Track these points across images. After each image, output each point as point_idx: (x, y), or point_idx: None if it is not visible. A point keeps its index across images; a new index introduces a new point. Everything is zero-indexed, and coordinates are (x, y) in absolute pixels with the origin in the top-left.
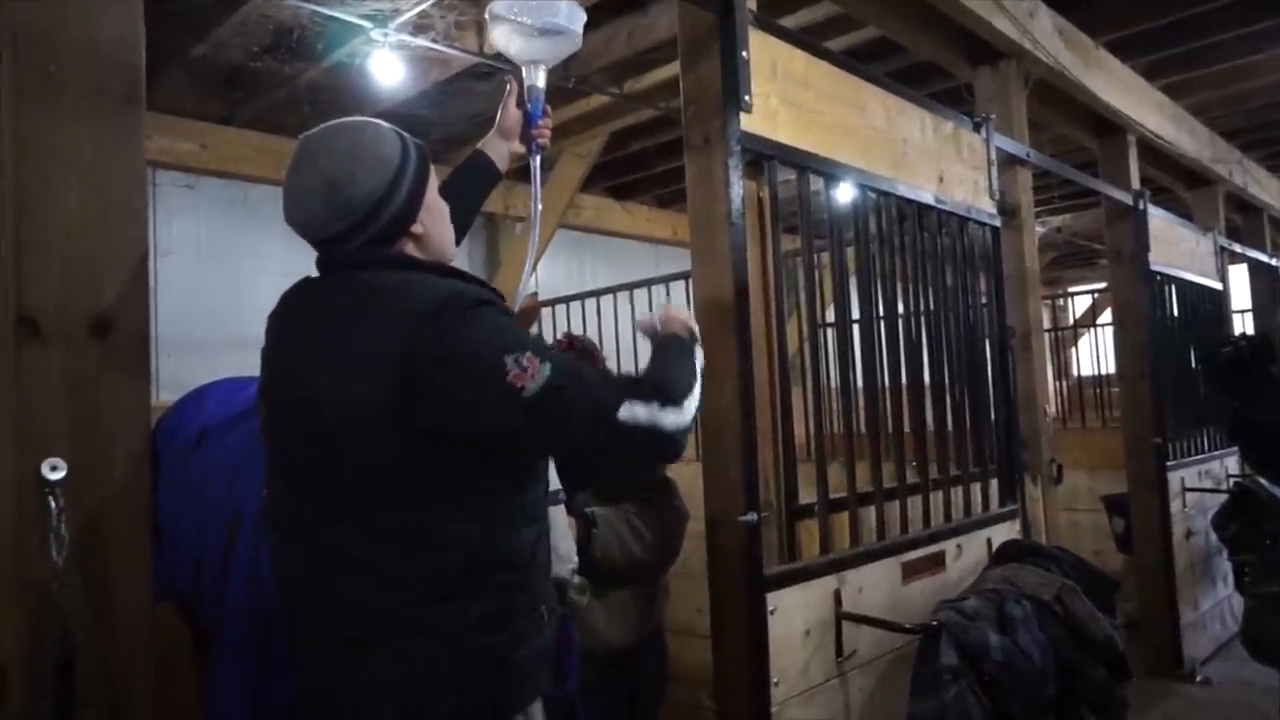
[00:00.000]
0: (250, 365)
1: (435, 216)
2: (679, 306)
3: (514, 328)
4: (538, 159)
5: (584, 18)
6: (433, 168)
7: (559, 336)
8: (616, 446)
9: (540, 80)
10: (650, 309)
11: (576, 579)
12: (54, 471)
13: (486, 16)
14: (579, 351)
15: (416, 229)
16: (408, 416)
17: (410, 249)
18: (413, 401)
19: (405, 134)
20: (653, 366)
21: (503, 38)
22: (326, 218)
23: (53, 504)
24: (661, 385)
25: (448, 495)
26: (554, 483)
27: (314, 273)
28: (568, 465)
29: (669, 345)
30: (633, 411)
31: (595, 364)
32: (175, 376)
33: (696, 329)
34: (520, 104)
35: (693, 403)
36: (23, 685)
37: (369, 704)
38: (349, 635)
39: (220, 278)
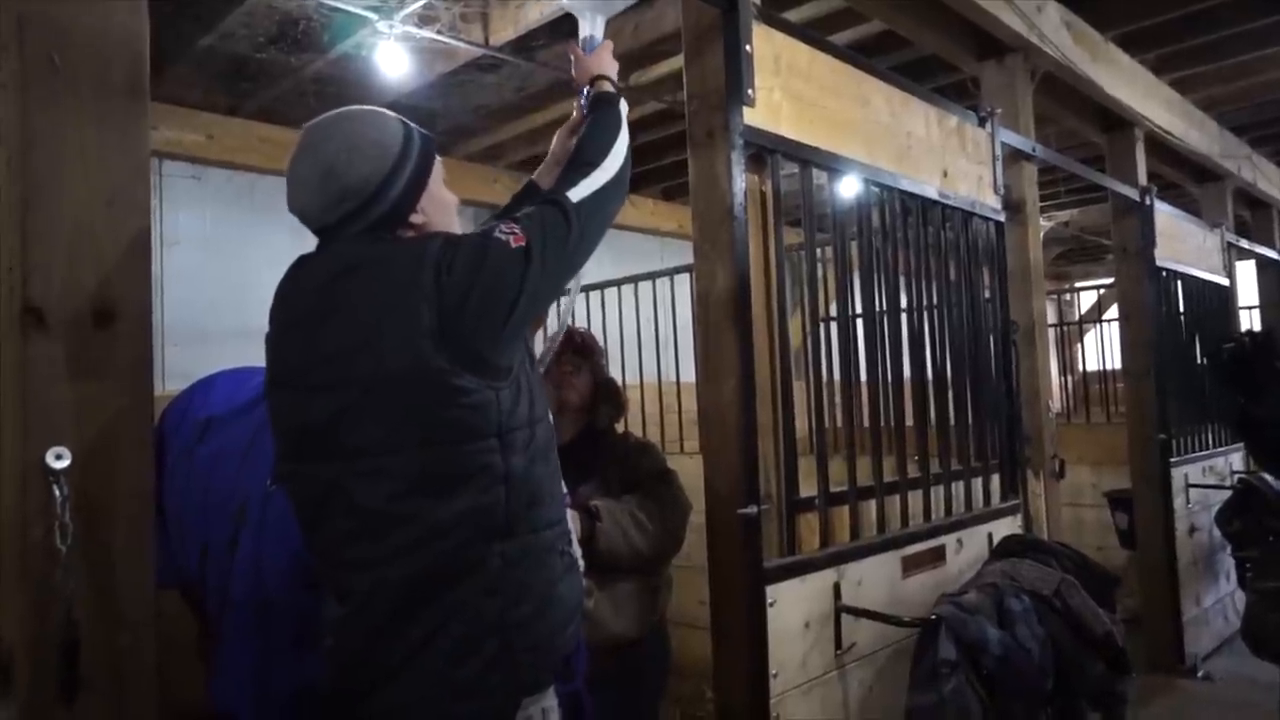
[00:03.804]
0: (256, 356)
1: (439, 207)
2: (593, 48)
3: (486, 224)
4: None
5: None
6: (440, 160)
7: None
8: (589, 217)
9: (599, 30)
10: (654, 302)
11: (584, 582)
12: (58, 460)
13: None
14: (578, 346)
15: (416, 218)
16: (447, 349)
17: (408, 226)
18: (450, 333)
19: (411, 124)
20: (583, 140)
21: None
22: (325, 204)
23: (57, 492)
24: (587, 152)
25: (477, 430)
26: None
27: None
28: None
29: (607, 105)
30: (580, 190)
31: (595, 360)
32: (181, 366)
33: (612, 73)
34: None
35: (616, 154)
36: (27, 669)
37: (414, 655)
38: (393, 596)
39: (226, 268)
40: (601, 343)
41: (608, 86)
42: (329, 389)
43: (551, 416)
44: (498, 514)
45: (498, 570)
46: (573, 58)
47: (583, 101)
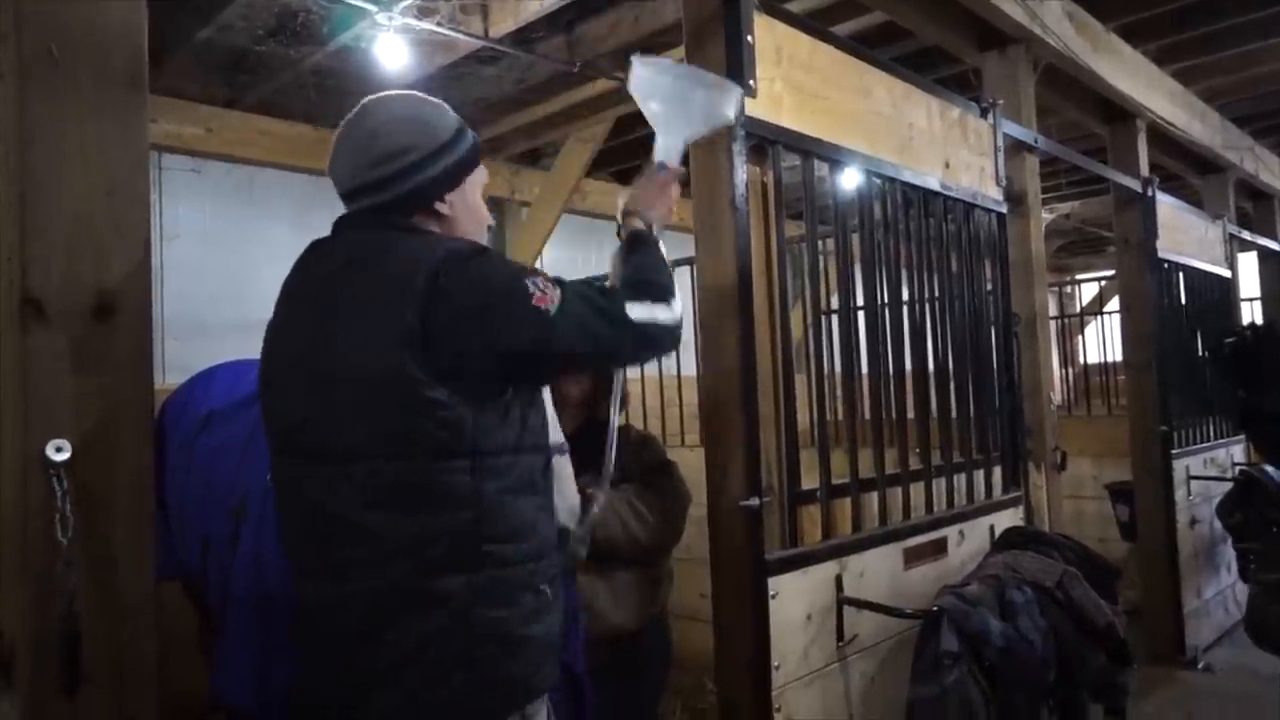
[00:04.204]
0: (256, 349)
1: (469, 210)
2: (661, 172)
3: (513, 263)
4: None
5: (738, 103)
6: (483, 171)
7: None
8: (634, 342)
9: (676, 154)
10: None
11: (578, 529)
12: (58, 453)
13: (632, 62)
14: None
15: (442, 207)
16: (424, 358)
17: (430, 227)
18: (431, 342)
19: (469, 127)
20: (634, 270)
21: (643, 84)
22: (361, 164)
23: (57, 485)
24: (655, 283)
25: (452, 449)
26: (558, 435)
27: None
28: (594, 365)
29: (648, 244)
30: (638, 310)
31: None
32: (181, 360)
33: (658, 218)
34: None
35: (677, 296)
36: (29, 662)
37: (387, 681)
38: (361, 614)
39: (226, 262)
40: None
41: (650, 229)
42: (314, 387)
43: (556, 415)
44: (463, 540)
45: (464, 601)
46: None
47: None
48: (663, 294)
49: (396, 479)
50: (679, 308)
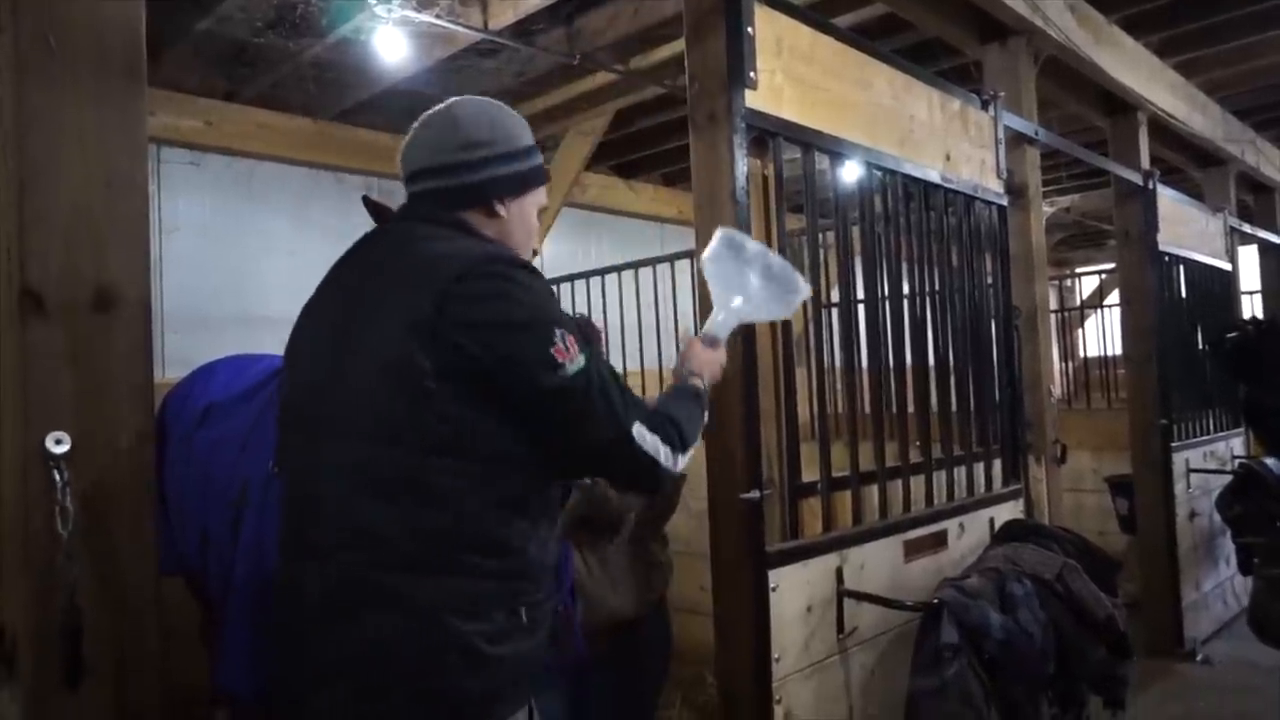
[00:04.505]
0: (256, 342)
1: (522, 222)
2: (710, 343)
3: (553, 302)
4: None
5: (799, 304)
6: (544, 194)
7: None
8: (619, 459)
9: (726, 330)
10: (655, 287)
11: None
12: (58, 445)
13: (717, 230)
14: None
15: (500, 209)
16: (431, 347)
17: (484, 229)
18: (440, 334)
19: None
20: (673, 406)
21: (718, 255)
22: (437, 146)
23: (57, 477)
24: (676, 426)
25: (447, 446)
26: None
27: (319, 248)
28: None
29: (692, 394)
30: (644, 435)
31: (594, 344)
32: (181, 353)
33: (708, 378)
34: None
35: (691, 453)
36: (30, 655)
37: (331, 677)
38: (323, 600)
39: (226, 255)
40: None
41: (701, 385)
42: (329, 366)
43: None
44: (440, 541)
45: (431, 605)
46: (691, 343)
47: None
48: (679, 439)
49: (386, 467)
50: (683, 462)
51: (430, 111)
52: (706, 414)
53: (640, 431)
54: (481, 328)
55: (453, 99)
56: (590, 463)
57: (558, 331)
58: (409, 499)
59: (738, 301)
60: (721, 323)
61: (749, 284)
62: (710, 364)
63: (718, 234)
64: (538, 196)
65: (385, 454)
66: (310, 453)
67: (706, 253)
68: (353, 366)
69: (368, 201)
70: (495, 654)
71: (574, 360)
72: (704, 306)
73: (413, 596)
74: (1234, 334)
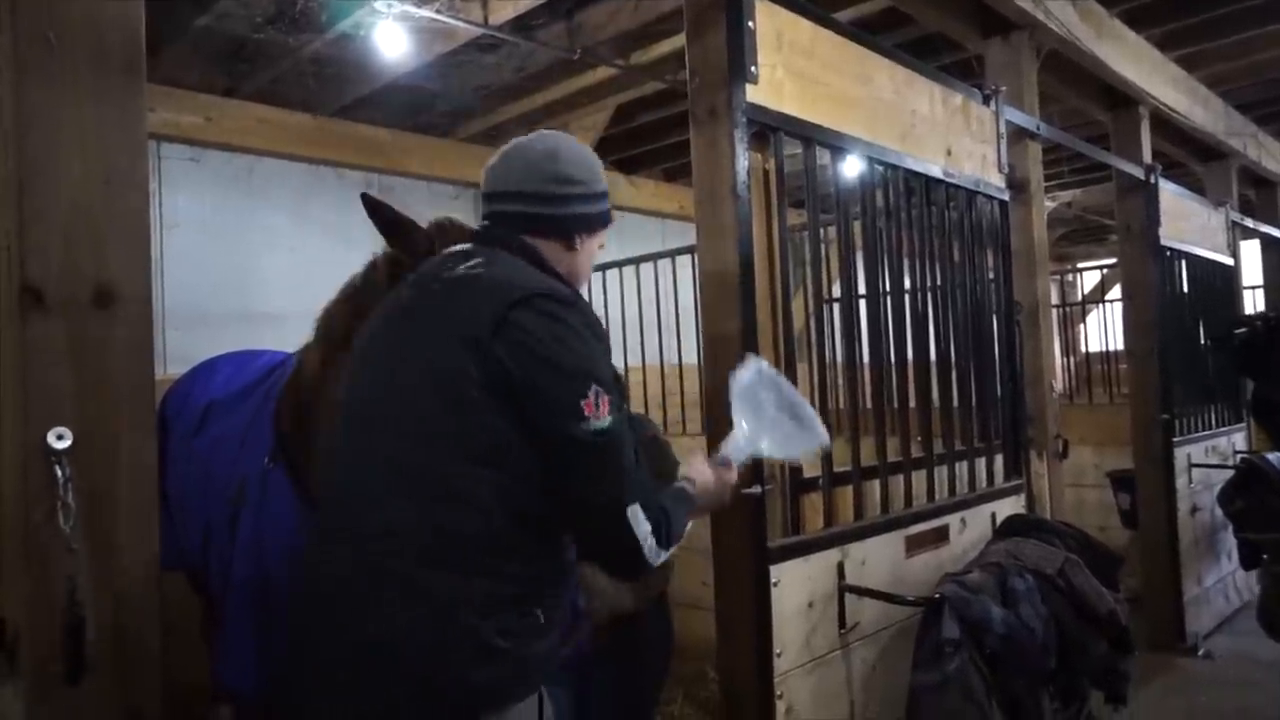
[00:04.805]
0: (257, 338)
1: (589, 257)
2: (723, 464)
3: (607, 359)
4: None
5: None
6: (603, 235)
7: None
8: (605, 530)
9: (740, 454)
10: (656, 283)
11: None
12: (60, 441)
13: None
14: None
15: (575, 243)
16: (480, 360)
17: (555, 254)
18: (490, 352)
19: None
20: (668, 502)
21: (745, 385)
22: (529, 171)
23: (59, 473)
24: (668, 521)
25: (487, 458)
26: None
27: (319, 244)
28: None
29: (685, 498)
30: (637, 517)
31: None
32: (182, 350)
33: (708, 495)
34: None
35: (666, 552)
36: (32, 651)
37: (345, 660)
38: (349, 588)
39: (226, 251)
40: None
41: (692, 491)
42: (391, 369)
43: None
44: (467, 543)
45: (449, 601)
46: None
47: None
48: (665, 534)
49: (428, 466)
50: (659, 559)
51: (526, 139)
52: (690, 524)
53: (635, 512)
54: (527, 357)
55: (544, 132)
56: (578, 521)
57: (594, 387)
58: (441, 500)
59: (764, 442)
60: (738, 449)
61: (773, 420)
62: (716, 484)
63: (752, 363)
64: (603, 237)
65: (424, 454)
66: (358, 446)
67: (739, 378)
68: (407, 369)
69: (366, 199)
70: (507, 649)
71: (600, 419)
72: (705, 298)
73: (430, 589)
74: (1242, 330)
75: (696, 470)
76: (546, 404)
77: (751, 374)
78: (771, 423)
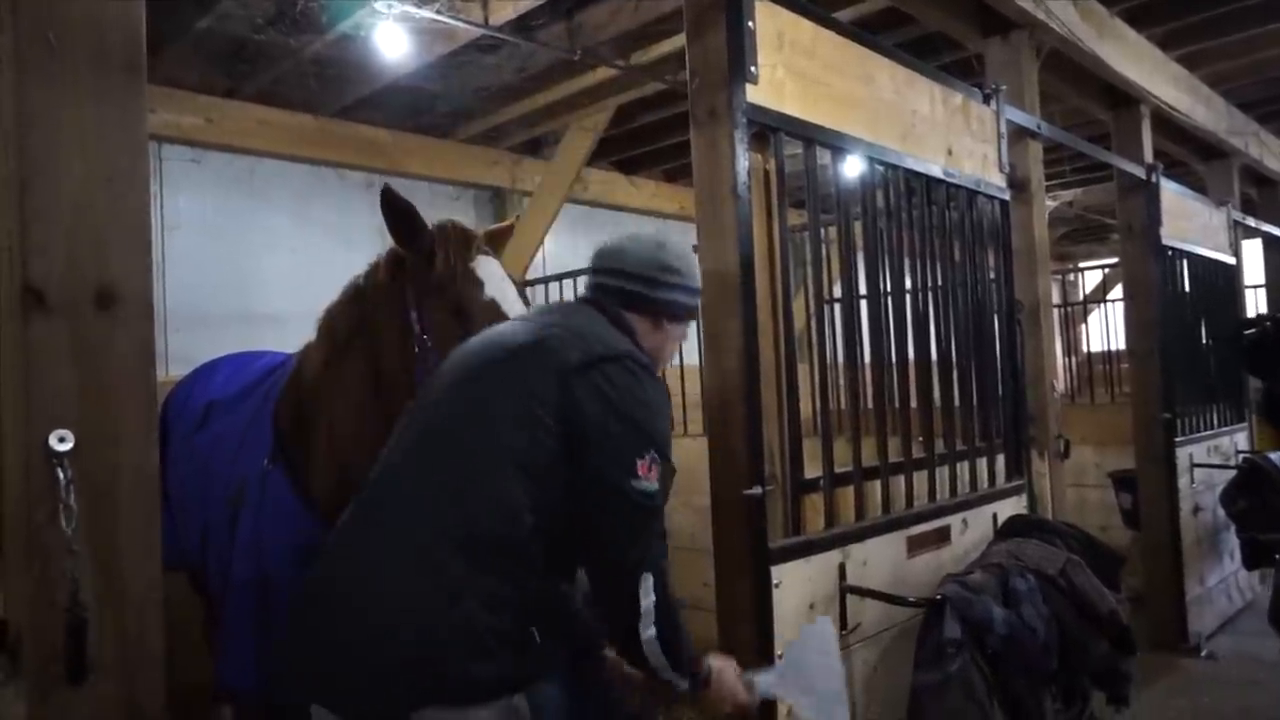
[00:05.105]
0: (258, 339)
1: (671, 341)
2: (746, 686)
3: (667, 425)
4: None
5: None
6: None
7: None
8: (613, 578)
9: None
10: None
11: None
12: (62, 443)
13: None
14: None
15: (662, 325)
16: (545, 391)
17: (644, 331)
18: (555, 392)
19: None
20: (679, 630)
21: (803, 646)
22: (636, 255)
23: (61, 474)
24: (673, 624)
25: (534, 474)
26: None
27: (320, 245)
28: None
29: (687, 660)
30: (647, 587)
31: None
32: (183, 351)
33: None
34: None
35: (655, 651)
36: (34, 651)
37: (354, 630)
38: (377, 567)
39: (227, 252)
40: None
41: (682, 681)
42: (472, 378)
43: None
44: (488, 542)
45: (458, 585)
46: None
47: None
48: (668, 630)
49: (482, 462)
50: (647, 636)
51: (642, 232)
52: (668, 680)
53: (647, 582)
54: (604, 404)
55: (657, 233)
56: (596, 565)
57: (653, 452)
58: (481, 496)
59: (794, 693)
60: (767, 685)
61: (810, 680)
62: (727, 691)
63: (823, 623)
64: (686, 329)
65: (483, 452)
66: (427, 431)
67: (808, 629)
68: (494, 379)
69: (387, 190)
70: (495, 649)
71: (650, 482)
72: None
73: (444, 567)
74: (1252, 330)
75: (719, 668)
76: (609, 451)
77: (819, 635)
78: (808, 682)
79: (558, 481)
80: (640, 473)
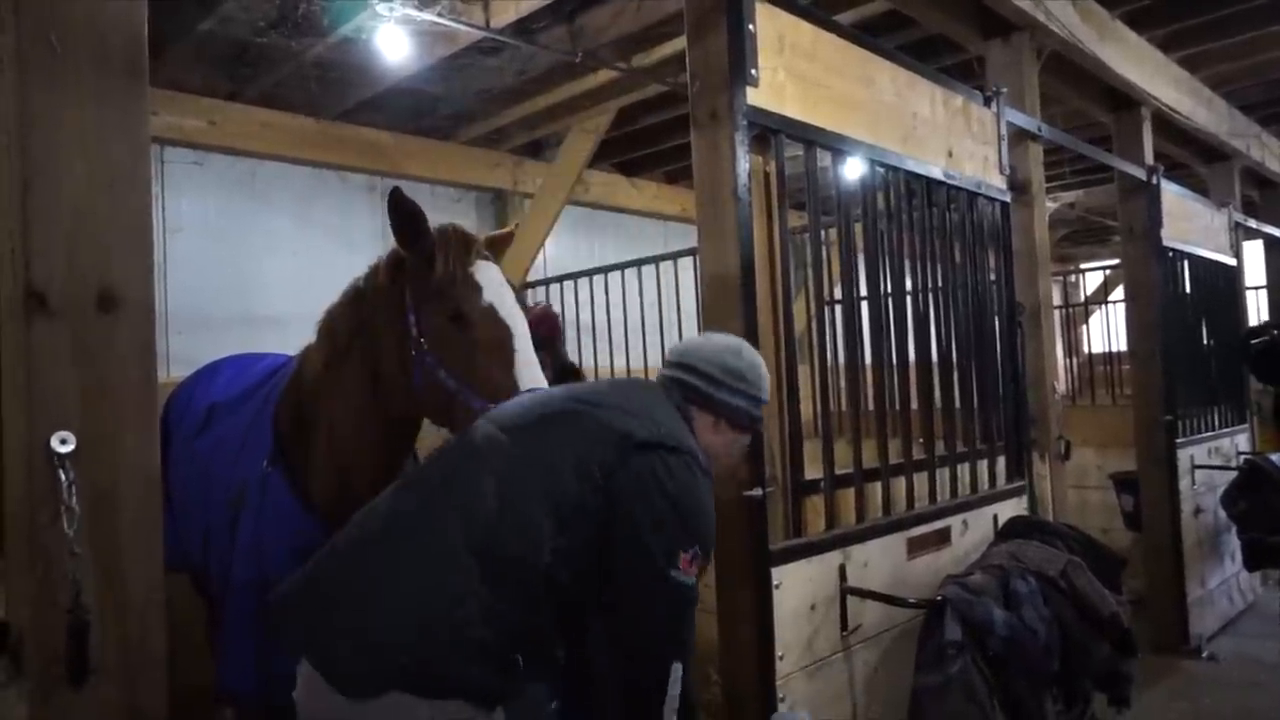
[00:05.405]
0: (259, 342)
1: (729, 446)
2: None
3: (714, 527)
4: None
5: None
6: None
7: (531, 305)
8: (646, 667)
9: None
10: (658, 285)
11: None
12: (63, 445)
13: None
14: (539, 335)
15: (720, 427)
16: (618, 460)
17: (703, 428)
18: (628, 465)
19: None
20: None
21: None
22: (716, 362)
23: (63, 476)
24: (688, 716)
25: (570, 522)
26: None
27: (322, 247)
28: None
29: None
30: (676, 674)
31: (556, 346)
32: (185, 353)
33: None
34: None
35: None
36: (36, 653)
37: (384, 639)
38: (403, 552)
39: (229, 255)
40: (605, 327)
41: None
42: (548, 422)
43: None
44: (503, 554)
45: (462, 590)
46: None
47: None
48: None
49: (526, 491)
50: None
51: (723, 336)
52: None
53: (676, 671)
54: (659, 489)
55: (741, 342)
56: (626, 645)
57: (696, 547)
58: (514, 520)
59: None
60: None
61: None
62: None
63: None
64: (745, 440)
65: (532, 483)
66: (482, 457)
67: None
68: (564, 428)
69: (397, 193)
70: (477, 659)
71: (686, 575)
72: (706, 300)
73: (455, 564)
74: (1260, 339)
75: None
76: (658, 539)
77: None
78: None
79: (580, 533)
80: (682, 565)
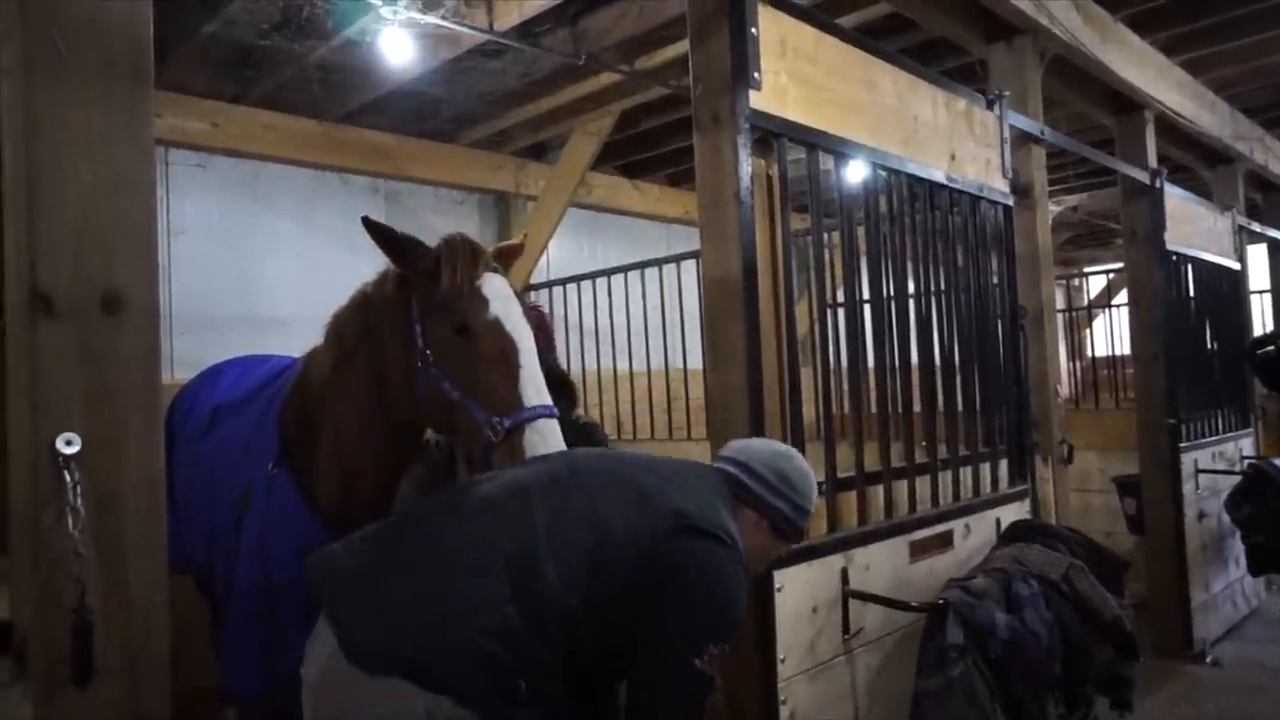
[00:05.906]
0: (263, 343)
1: (767, 548)
2: None
3: (740, 623)
4: None
5: None
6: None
7: (530, 306)
8: None
9: None
10: (661, 288)
11: None
12: (68, 446)
13: None
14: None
15: (766, 527)
16: (663, 528)
17: (747, 526)
18: (673, 540)
19: None
20: None
21: None
22: (768, 465)
23: (68, 477)
24: None
25: (602, 574)
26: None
27: (325, 249)
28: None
29: None
30: None
31: (548, 348)
32: (189, 355)
33: None
34: None
35: None
36: (40, 653)
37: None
38: (441, 551)
39: (233, 257)
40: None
41: None
42: (606, 487)
43: None
44: (536, 588)
45: (486, 598)
46: None
47: None
48: None
49: (570, 532)
50: None
51: (773, 441)
52: None
53: None
54: (702, 577)
55: (791, 449)
56: (639, 708)
57: (724, 645)
58: (555, 559)
59: None
60: None
61: None
62: None
63: None
64: (784, 545)
65: (582, 527)
66: (550, 491)
67: None
68: (622, 485)
69: (367, 221)
70: (481, 671)
71: (705, 666)
72: (708, 303)
73: (496, 584)
74: (1267, 349)
75: None
76: (690, 625)
77: None
78: None
79: (610, 585)
80: (702, 656)
